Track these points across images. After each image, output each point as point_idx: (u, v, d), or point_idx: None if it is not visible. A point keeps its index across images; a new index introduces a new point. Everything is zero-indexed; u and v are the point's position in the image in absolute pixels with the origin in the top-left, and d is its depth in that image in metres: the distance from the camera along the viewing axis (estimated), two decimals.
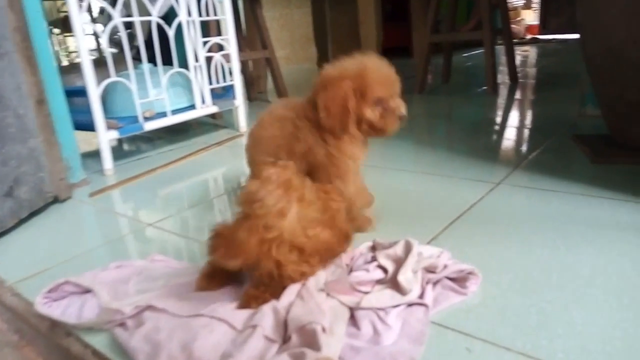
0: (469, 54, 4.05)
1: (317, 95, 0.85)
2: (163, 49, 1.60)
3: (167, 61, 1.68)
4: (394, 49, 4.18)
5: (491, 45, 2.14)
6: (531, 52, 3.95)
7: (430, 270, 0.73)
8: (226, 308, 0.68)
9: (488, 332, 0.63)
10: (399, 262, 0.74)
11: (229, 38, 1.84)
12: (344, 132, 0.86)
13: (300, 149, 0.88)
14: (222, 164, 1.57)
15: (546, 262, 0.78)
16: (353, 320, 0.66)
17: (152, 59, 1.65)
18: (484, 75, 2.24)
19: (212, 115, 2.16)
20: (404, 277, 0.70)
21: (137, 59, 1.68)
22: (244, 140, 1.82)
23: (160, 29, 1.61)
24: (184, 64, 1.72)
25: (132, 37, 2.18)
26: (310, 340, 0.59)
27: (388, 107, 0.85)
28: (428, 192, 1.12)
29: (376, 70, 0.85)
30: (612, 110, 1.21)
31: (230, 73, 1.88)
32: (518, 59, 3.42)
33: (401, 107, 0.86)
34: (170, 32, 1.63)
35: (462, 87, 2.53)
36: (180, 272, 0.82)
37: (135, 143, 1.97)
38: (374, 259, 0.77)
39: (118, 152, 1.82)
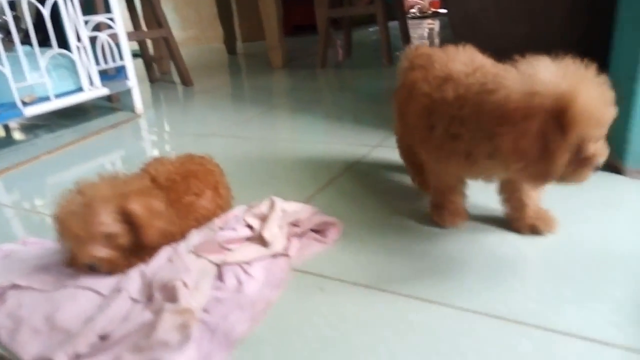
0: (374, 28, 4.18)
1: (497, 126, 0.58)
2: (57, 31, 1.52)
3: (63, 44, 1.60)
4: (305, 27, 4.21)
5: (384, 18, 2.24)
6: (435, 25, 4.17)
7: (295, 224, 0.80)
8: (93, 277, 0.70)
9: (341, 273, 0.71)
10: (264, 219, 0.79)
11: (115, 16, 1.77)
12: (547, 179, 0.60)
13: None
14: (119, 147, 1.54)
15: (400, 209, 0.87)
16: (220, 275, 0.71)
17: (44, 42, 1.57)
18: None
19: (109, 99, 2.08)
20: (269, 233, 0.76)
21: (26, 43, 1.58)
22: (141, 123, 1.80)
23: (54, 9, 1.53)
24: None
25: (18, 20, 2.04)
26: (171, 295, 0.63)
27: (587, 152, 0.58)
28: (314, 158, 1.19)
29: (591, 101, 0.55)
30: None
31: (121, 54, 1.82)
32: (425, 32, 3.63)
33: (602, 155, 0.60)
34: (45, 11, 1.55)
35: (364, 60, 2.63)
36: (54, 251, 0.82)
37: (31, 130, 1.86)
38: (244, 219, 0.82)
39: (6, 141, 1.72)
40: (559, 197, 0.80)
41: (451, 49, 0.78)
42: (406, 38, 2.55)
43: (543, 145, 0.56)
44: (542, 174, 0.59)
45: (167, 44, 2.32)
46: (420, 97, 0.74)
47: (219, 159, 0.92)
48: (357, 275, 0.70)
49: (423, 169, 0.86)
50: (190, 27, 4.56)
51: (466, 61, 0.72)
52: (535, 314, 0.58)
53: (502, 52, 0.69)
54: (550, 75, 0.56)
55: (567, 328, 0.56)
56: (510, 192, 0.76)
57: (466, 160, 0.68)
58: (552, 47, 0.61)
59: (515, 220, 0.76)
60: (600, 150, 0.59)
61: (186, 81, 2.39)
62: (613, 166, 0.92)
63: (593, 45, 0.92)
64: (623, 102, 0.86)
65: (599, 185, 0.87)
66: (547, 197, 0.77)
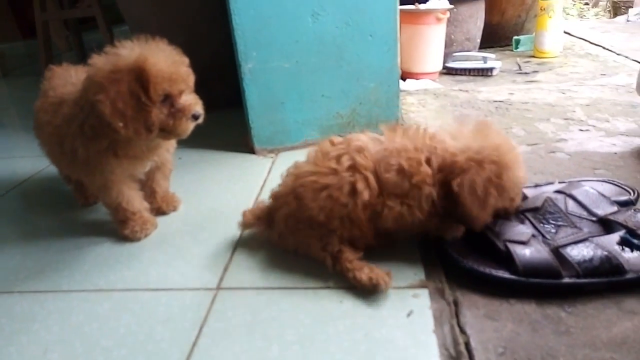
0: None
1: (95, 96, 0.71)
2: None
3: None
4: None
5: (105, 20, 2.25)
6: None
7: None
8: None
9: None
10: None
11: None
12: (150, 133, 0.74)
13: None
14: None
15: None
16: None
17: None
18: None
19: None
20: None
21: None
22: None
23: None
24: None
25: None
26: None
27: (178, 105, 0.76)
28: None
29: (159, 61, 0.73)
30: None
31: None
32: None
33: (194, 105, 0.78)
34: None
35: None
36: None
37: None
38: None
39: None
40: (195, 179, 1.00)
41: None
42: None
43: (136, 103, 0.71)
44: (141, 130, 0.73)
45: None
46: (45, 126, 0.84)
47: None
48: None
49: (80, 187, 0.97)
50: None
51: (77, 80, 0.83)
52: (136, 279, 0.75)
53: None
54: (128, 50, 0.74)
55: (155, 284, 0.73)
56: (144, 183, 0.92)
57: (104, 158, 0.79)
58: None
59: (150, 205, 0.92)
60: (190, 101, 0.76)
61: None
62: (250, 148, 1.17)
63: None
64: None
65: (231, 164, 1.11)
66: (185, 181, 0.96)
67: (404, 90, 1.60)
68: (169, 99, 0.75)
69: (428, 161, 0.68)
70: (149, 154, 0.83)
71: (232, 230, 0.84)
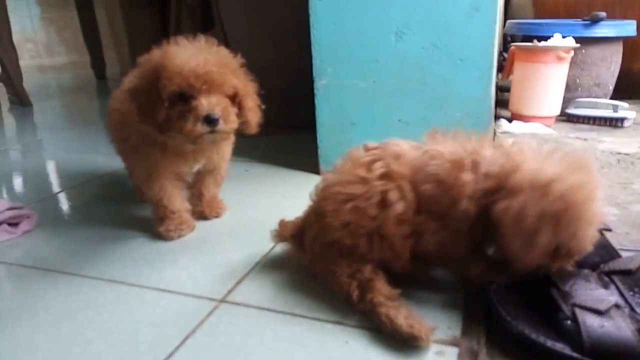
0: None
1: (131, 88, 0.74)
2: None
3: None
4: None
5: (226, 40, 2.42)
6: None
7: None
8: None
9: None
10: None
11: None
12: (160, 130, 0.72)
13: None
14: None
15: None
16: None
17: None
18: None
19: None
20: None
21: None
22: None
23: None
24: None
25: None
26: None
27: (190, 105, 0.70)
28: None
29: (180, 58, 0.69)
30: None
31: None
32: None
33: (208, 108, 0.69)
34: None
35: None
36: None
37: None
38: None
39: None
40: (250, 190, 0.99)
41: None
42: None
43: (150, 98, 0.69)
44: (152, 126, 0.71)
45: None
46: (113, 113, 0.88)
47: None
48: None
49: None
50: (67, 53, 4.52)
51: None
52: (149, 277, 0.72)
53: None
54: (172, 47, 0.72)
55: (163, 285, 0.69)
56: (193, 185, 0.91)
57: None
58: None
59: (193, 208, 0.90)
60: (204, 104, 0.69)
61: (23, 101, 2.40)
62: (316, 170, 1.11)
63: None
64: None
65: (291, 181, 1.06)
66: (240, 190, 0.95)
67: (507, 132, 1.43)
68: (188, 98, 0.70)
69: (474, 167, 0.54)
70: (194, 154, 0.81)
71: (264, 243, 0.78)
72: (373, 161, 0.59)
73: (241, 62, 0.77)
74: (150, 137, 0.77)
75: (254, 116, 0.78)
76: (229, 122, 0.72)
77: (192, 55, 0.70)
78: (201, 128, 0.70)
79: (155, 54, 0.72)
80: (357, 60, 1.02)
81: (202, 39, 0.74)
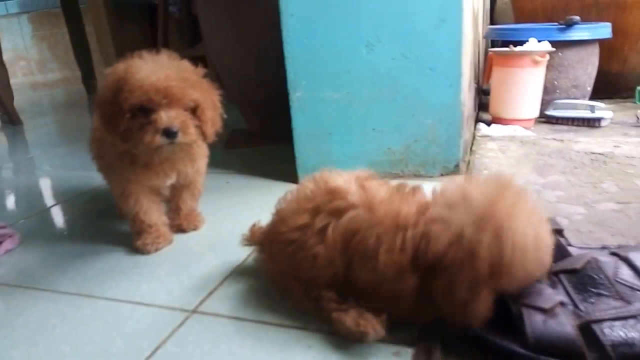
0: None
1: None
2: None
3: None
4: None
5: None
6: None
7: None
8: None
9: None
10: None
11: None
12: (123, 141, 0.76)
13: None
14: None
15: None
16: None
17: None
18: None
19: None
20: None
21: None
22: None
23: None
24: None
25: None
26: None
27: (150, 118, 0.73)
28: None
29: (141, 72, 0.72)
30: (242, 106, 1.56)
31: None
32: None
33: (167, 122, 0.72)
34: None
35: None
36: None
37: None
38: None
39: None
40: (230, 202, 1.02)
41: None
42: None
43: (113, 110, 0.73)
44: (115, 137, 0.75)
45: None
46: (94, 131, 0.91)
47: None
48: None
49: None
50: (59, 69, 4.57)
51: None
52: (126, 291, 0.74)
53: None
54: (136, 61, 0.75)
55: (139, 298, 0.71)
56: (171, 199, 0.93)
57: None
58: None
59: (171, 221, 0.93)
60: (163, 117, 0.72)
61: (13, 120, 2.42)
62: (295, 179, 1.13)
63: None
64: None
65: (271, 192, 1.08)
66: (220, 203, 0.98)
67: (486, 136, 1.46)
68: (149, 111, 0.73)
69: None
70: (163, 167, 0.83)
71: (239, 253, 0.80)
72: (316, 211, 0.61)
73: (203, 74, 0.81)
74: (120, 152, 0.80)
75: (212, 128, 0.81)
76: (188, 135, 0.76)
77: (153, 70, 0.73)
78: (160, 140, 0.73)
79: (120, 67, 0.75)
80: (330, 72, 1.05)
81: (164, 54, 0.78)
